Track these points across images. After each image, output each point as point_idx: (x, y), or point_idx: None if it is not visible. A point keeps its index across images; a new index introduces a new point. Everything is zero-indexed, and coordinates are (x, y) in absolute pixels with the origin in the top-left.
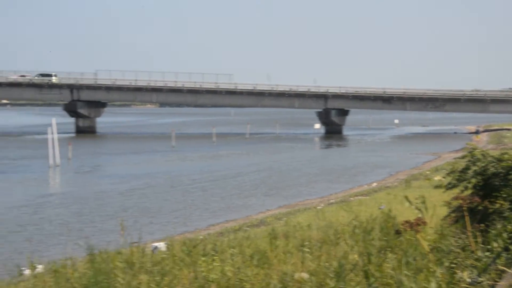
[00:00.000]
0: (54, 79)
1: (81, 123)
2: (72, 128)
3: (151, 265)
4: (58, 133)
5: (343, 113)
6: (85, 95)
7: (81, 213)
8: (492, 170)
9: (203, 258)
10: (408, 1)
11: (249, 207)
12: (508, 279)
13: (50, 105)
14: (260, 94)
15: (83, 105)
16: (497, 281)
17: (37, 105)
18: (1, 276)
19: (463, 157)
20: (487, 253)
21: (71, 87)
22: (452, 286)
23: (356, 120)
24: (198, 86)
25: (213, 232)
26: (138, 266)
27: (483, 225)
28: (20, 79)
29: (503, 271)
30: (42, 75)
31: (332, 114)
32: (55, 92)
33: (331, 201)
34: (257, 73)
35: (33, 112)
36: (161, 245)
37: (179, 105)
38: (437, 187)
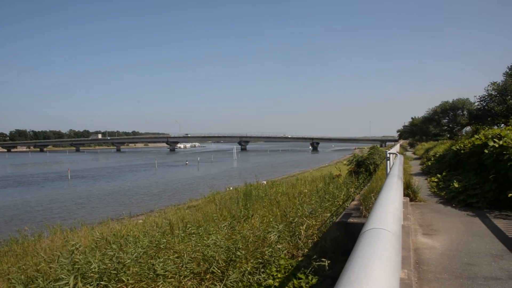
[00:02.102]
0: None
1: (242, 146)
2: (239, 148)
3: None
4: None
5: (317, 143)
6: (246, 140)
7: (241, 172)
8: (359, 159)
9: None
10: None
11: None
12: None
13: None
14: (286, 138)
15: (244, 142)
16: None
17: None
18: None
19: (352, 156)
20: (358, 182)
21: (240, 137)
22: (348, 193)
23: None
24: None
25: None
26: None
27: (356, 175)
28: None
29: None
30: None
31: (314, 143)
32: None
33: (314, 168)
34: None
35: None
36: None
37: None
38: (345, 165)
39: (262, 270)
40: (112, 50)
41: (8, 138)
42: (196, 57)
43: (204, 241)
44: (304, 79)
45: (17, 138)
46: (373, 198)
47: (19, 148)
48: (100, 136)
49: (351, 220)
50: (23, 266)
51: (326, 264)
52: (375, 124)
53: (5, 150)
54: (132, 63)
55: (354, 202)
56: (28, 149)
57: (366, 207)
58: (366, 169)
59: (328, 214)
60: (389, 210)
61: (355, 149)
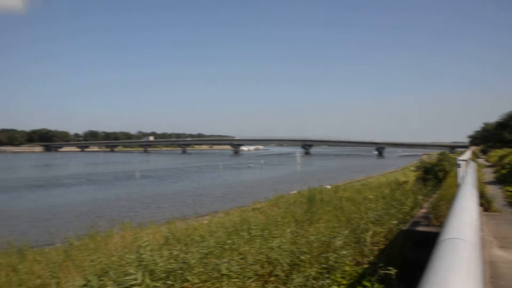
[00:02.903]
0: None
1: (306, 150)
2: (302, 151)
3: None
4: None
5: (382, 149)
6: (309, 143)
7: (305, 176)
8: (428, 165)
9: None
10: None
11: (352, 176)
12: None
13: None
14: (350, 142)
15: (307, 145)
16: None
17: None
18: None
19: (419, 162)
20: (426, 189)
21: (304, 141)
22: (416, 200)
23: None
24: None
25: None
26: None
27: (424, 182)
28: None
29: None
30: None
31: (380, 149)
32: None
33: (379, 174)
34: None
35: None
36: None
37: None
38: (412, 171)
39: (327, 275)
40: (182, 56)
41: (82, 138)
42: (262, 57)
43: (269, 244)
44: (374, 83)
45: (89, 139)
46: (443, 207)
47: (91, 148)
48: (151, 138)
49: (419, 228)
50: (96, 260)
51: (393, 272)
52: (443, 130)
53: (79, 149)
54: (196, 66)
55: (423, 210)
56: (99, 149)
57: (435, 215)
58: (435, 176)
59: (395, 221)
60: (465, 220)
61: (422, 155)
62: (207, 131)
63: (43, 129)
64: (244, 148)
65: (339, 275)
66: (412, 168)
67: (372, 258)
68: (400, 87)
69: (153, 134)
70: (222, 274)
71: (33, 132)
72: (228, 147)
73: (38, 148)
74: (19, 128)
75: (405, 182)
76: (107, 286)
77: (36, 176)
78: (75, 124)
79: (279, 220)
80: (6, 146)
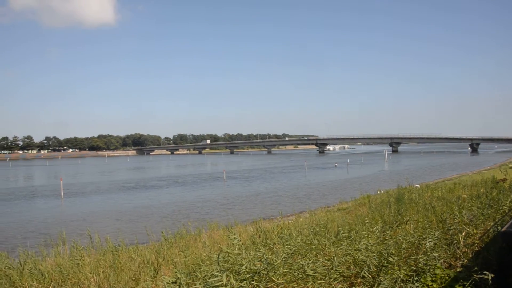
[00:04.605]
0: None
1: (393, 148)
2: (390, 149)
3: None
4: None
5: (477, 144)
6: (397, 141)
7: (393, 175)
8: None
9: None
10: None
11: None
12: None
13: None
14: (442, 138)
15: (395, 143)
16: None
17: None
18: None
19: None
20: None
21: (392, 138)
22: None
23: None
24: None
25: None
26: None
27: None
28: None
29: None
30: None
31: (474, 144)
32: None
33: (473, 172)
34: None
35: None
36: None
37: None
38: (510, 168)
39: (416, 278)
40: (267, 56)
41: (171, 141)
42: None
43: (356, 246)
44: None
45: (178, 142)
46: None
47: (181, 151)
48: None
49: None
50: (185, 258)
51: (489, 277)
52: None
53: (169, 152)
54: (282, 66)
55: None
56: (188, 152)
57: None
58: None
59: (492, 223)
60: None
61: None
62: (291, 131)
63: (136, 133)
64: (330, 147)
65: (429, 278)
66: (511, 165)
67: (465, 261)
68: (496, 77)
69: (239, 135)
70: (307, 275)
71: (127, 137)
72: (313, 146)
73: (132, 152)
74: (115, 133)
75: (503, 180)
76: (195, 285)
77: (131, 178)
78: (165, 128)
79: (367, 220)
80: (104, 151)
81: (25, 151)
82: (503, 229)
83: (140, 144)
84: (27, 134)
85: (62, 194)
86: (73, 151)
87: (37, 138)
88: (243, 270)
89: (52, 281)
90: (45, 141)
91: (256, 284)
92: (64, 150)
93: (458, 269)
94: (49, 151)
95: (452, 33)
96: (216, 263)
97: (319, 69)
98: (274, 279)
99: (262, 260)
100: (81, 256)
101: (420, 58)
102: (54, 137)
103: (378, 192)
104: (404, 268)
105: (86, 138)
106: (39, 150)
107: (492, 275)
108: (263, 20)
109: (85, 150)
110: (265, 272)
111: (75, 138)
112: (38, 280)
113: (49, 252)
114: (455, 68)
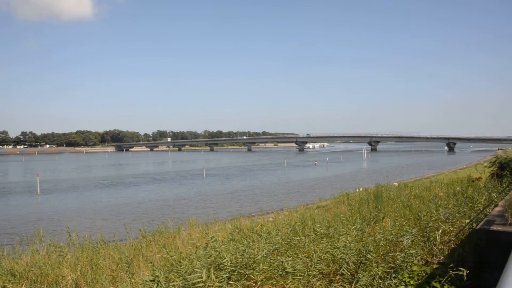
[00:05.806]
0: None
1: (372, 147)
2: (369, 148)
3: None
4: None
5: (454, 144)
6: (376, 140)
7: (371, 173)
8: (503, 161)
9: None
10: None
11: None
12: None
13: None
14: (419, 137)
15: (374, 142)
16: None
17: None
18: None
19: (494, 157)
20: (501, 187)
21: (370, 137)
22: (490, 198)
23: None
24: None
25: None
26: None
27: (499, 179)
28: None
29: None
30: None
31: (451, 144)
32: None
33: (450, 170)
34: None
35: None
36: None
37: None
38: (485, 167)
39: (394, 275)
40: (252, 54)
41: (151, 138)
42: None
43: (335, 243)
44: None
45: (158, 138)
46: None
47: (160, 148)
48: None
49: (494, 227)
50: (164, 255)
51: (465, 273)
52: None
53: (148, 149)
54: (268, 64)
55: (497, 208)
56: (167, 148)
57: None
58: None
59: (467, 220)
60: None
61: (497, 150)
62: (272, 129)
63: (115, 130)
64: (309, 145)
65: (406, 275)
66: (486, 164)
67: (442, 258)
68: (473, 79)
69: (219, 133)
70: (287, 272)
71: (106, 133)
72: (293, 144)
73: (110, 148)
74: (93, 129)
75: (478, 179)
76: (174, 282)
77: (109, 175)
78: (144, 124)
79: (344, 218)
80: (82, 147)
81: (0, 146)
82: (478, 227)
83: (119, 140)
84: (2, 129)
85: (38, 190)
86: (50, 147)
87: (13, 133)
88: (225, 264)
89: (26, 280)
90: (21, 137)
91: (234, 283)
92: (41, 145)
93: (435, 266)
94: (25, 146)
95: (431, 27)
96: (197, 259)
97: (302, 68)
98: (253, 276)
99: (244, 254)
100: (59, 254)
101: (403, 57)
102: (31, 132)
103: (357, 190)
104: (382, 265)
105: (64, 134)
106: (14, 146)
107: (467, 271)
108: (237, 17)
109: (62, 146)
110: (247, 266)
111: (53, 133)
112: (9, 280)
113: (25, 250)
114: (434, 69)
